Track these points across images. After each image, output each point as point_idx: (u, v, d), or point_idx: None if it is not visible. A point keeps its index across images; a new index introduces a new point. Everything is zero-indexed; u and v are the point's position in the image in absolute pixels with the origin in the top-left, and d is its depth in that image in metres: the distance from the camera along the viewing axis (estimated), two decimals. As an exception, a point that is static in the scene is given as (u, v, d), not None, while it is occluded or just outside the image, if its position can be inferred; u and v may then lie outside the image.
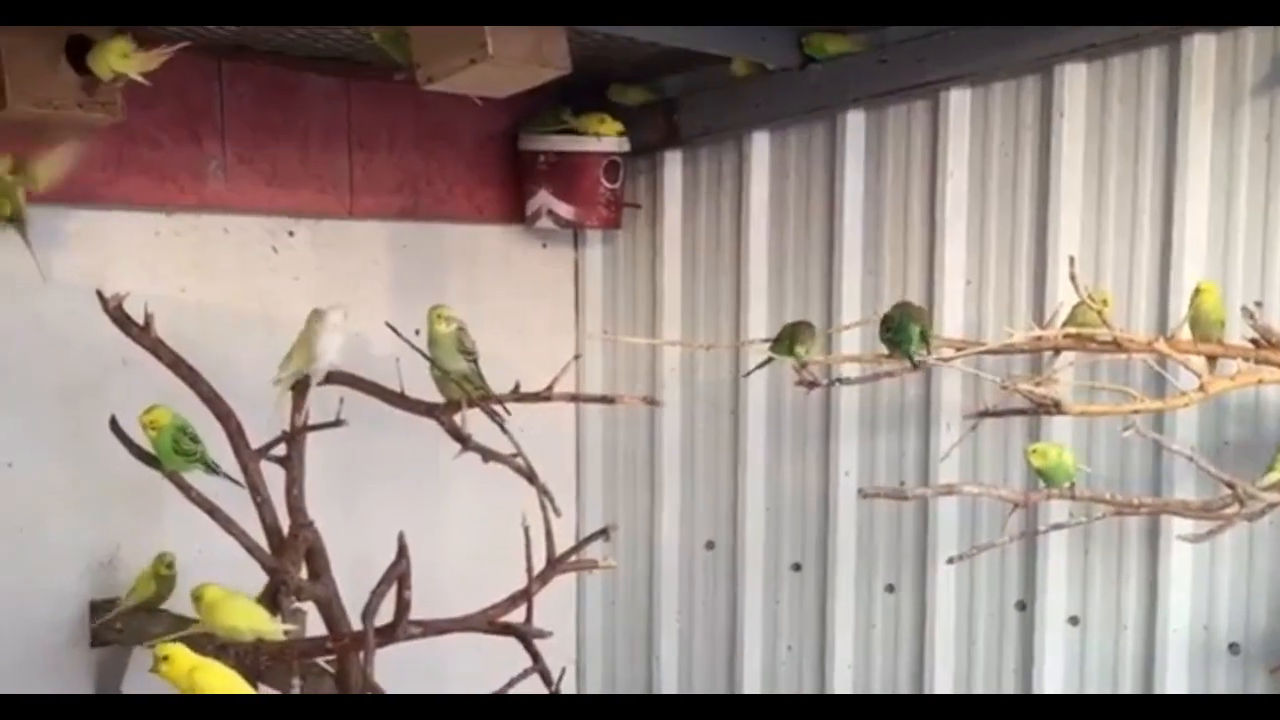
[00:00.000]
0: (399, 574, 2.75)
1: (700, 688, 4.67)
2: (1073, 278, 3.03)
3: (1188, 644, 3.69)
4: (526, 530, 2.85)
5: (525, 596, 2.94)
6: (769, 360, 3.40)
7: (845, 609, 4.28)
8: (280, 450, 3.30)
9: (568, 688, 4.71)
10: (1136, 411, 3.05)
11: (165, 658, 2.47)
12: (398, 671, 3.09)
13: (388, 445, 3.86)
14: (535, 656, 2.92)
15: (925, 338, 3.19)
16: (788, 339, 3.38)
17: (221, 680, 2.46)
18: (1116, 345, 3.19)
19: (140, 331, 3.09)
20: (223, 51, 3.73)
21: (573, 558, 3.05)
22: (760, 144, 4.32)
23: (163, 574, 3.47)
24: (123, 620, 3.52)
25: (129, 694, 3.28)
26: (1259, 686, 3.59)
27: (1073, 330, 3.28)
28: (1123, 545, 3.77)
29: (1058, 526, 3.32)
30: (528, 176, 4.43)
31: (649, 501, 4.71)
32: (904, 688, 4.20)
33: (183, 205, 3.78)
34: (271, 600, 3.01)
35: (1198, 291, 3.31)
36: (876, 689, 4.26)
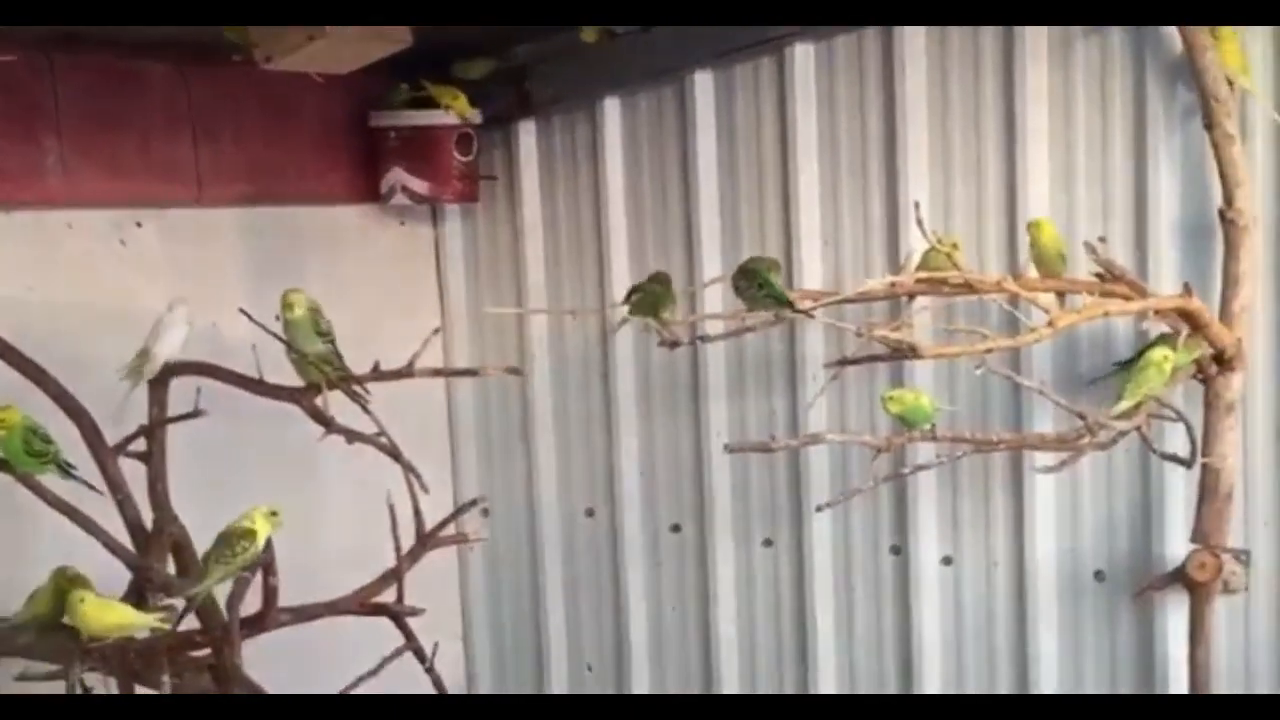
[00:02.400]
0: (264, 562, 2.71)
1: (589, 655, 4.68)
2: (919, 222, 3.08)
3: (1056, 575, 3.79)
4: (392, 508, 2.83)
5: (395, 576, 2.92)
6: (624, 322, 3.41)
7: (725, 566, 4.33)
8: (140, 446, 3.24)
9: (454, 664, 4.77)
10: (991, 350, 3.10)
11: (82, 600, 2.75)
12: (277, 658, 3.07)
13: (253, 434, 3.80)
14: (408, 635, 2.91)
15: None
16: (650, 303, 3.39)
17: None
18: (968, 287, 3.24)
19: (-18, 334, 3.01)
20: (53, 44, 3.62)
21: (443, 532, 3.02)
22: (612, 109, 4.32)
23: (65, 589, 3.35)
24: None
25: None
26: (1125, 611, 3.71)
27: (924, 275, 3.33)
28: (989, 485, 3.86)
29: (921, 468, 3.38)
30: (380, 154, 4.36)
31: (525, 473, 4.70)
32: (787, 639, 4.26)
33: (22, 202, 3.66)
34: (138, 599, 2.95)
35: (1032, 227, 3.39)
36: (760, 641, 4.31)
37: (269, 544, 2.73)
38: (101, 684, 3.02)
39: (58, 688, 2.94)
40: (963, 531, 3.92)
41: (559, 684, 4.72)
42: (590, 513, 4.63)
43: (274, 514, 2.81)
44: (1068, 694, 3.77)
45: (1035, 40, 3.58)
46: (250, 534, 2.73)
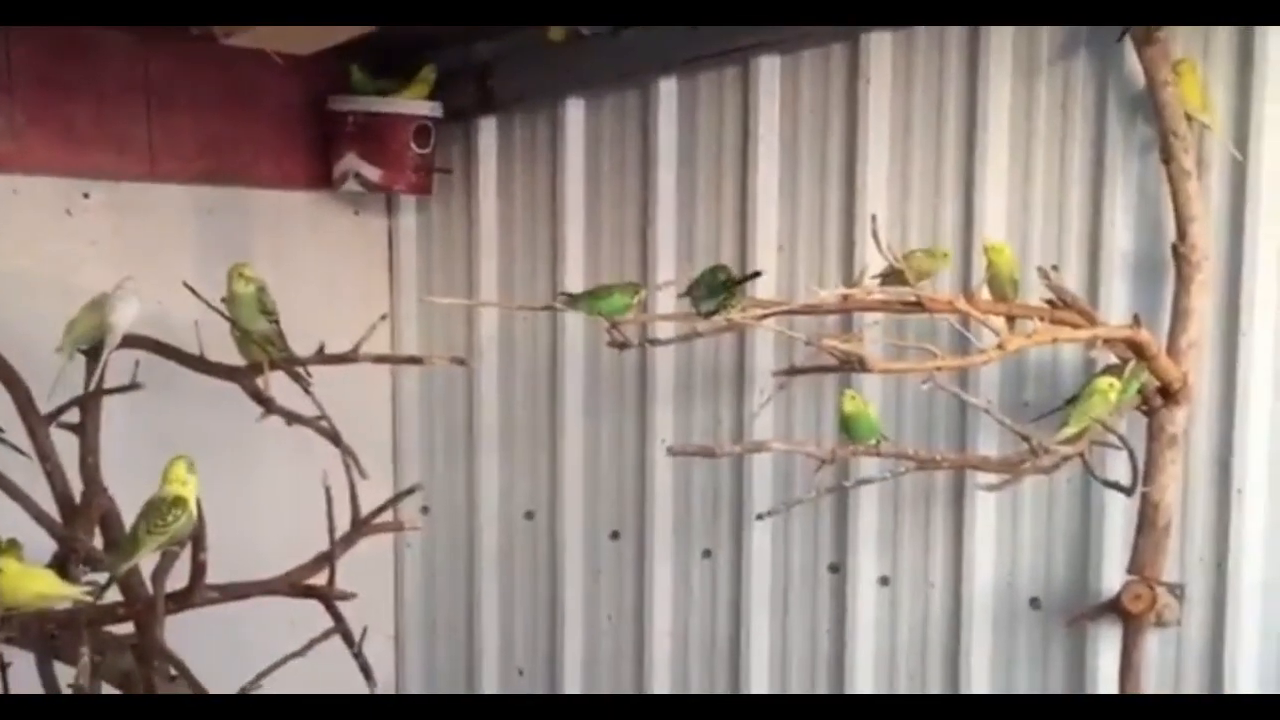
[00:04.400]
0: (193, 535, 2.65)
1: (521, 658, 4.65)
2: (874, 235, 3.07)
3: (992, 600, 3.78)
4: (328, 490, 2.79)
5: (328, 559, 2.87)
6: (554, 308, 3.37)
7: (663, 575, 4.30)
8: (74, 417, 3.19)
9: (385, 658, 4.72)
10: (940, 369, 3.10)
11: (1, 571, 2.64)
12: (202, 637, 3.02)
13: (192, 411, 3.74)
14: (338, 618, 2.87)
15: (729, 291, 3.20)
16: (587, 296, 3.36)
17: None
18: (919, 305, 3.24)
19: (-84, 292, 2.95)
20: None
21: (379, 519, 2.98)
22: (575, 110, 4.30)
23: None
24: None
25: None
26: (1058, 640, 3.70)
27: (877, 293, 3.32)
28: (930, 505, 3.85)
29: (865, 482, 3.38)
30: (335, 138, 4.33)
31: (467, 470, 4.67)
32: (722, 651, 4.23)
33: (-33, 164, 3.62)
34: (61, 569, 2.90)
35: (990, 250, 3.40)
36: (694, 654, 4.28)
37: (200, 515, 2.67)
38: (18, 657, 2.97)
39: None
40: (902, 551, 3.91)
41: (490, 685, 4.68)
42: (530, 515, 4.60)
43: (190, 465, 2.72)
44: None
45: (999, 63, 3.59)
46: (181, 501, 2.66)
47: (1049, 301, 3.36)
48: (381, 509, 3.08)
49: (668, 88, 4.12)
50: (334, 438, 3.08)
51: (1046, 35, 3.56)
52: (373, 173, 4.31)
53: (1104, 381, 3.14)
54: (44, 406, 3.16)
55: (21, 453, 3.01)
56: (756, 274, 3.49)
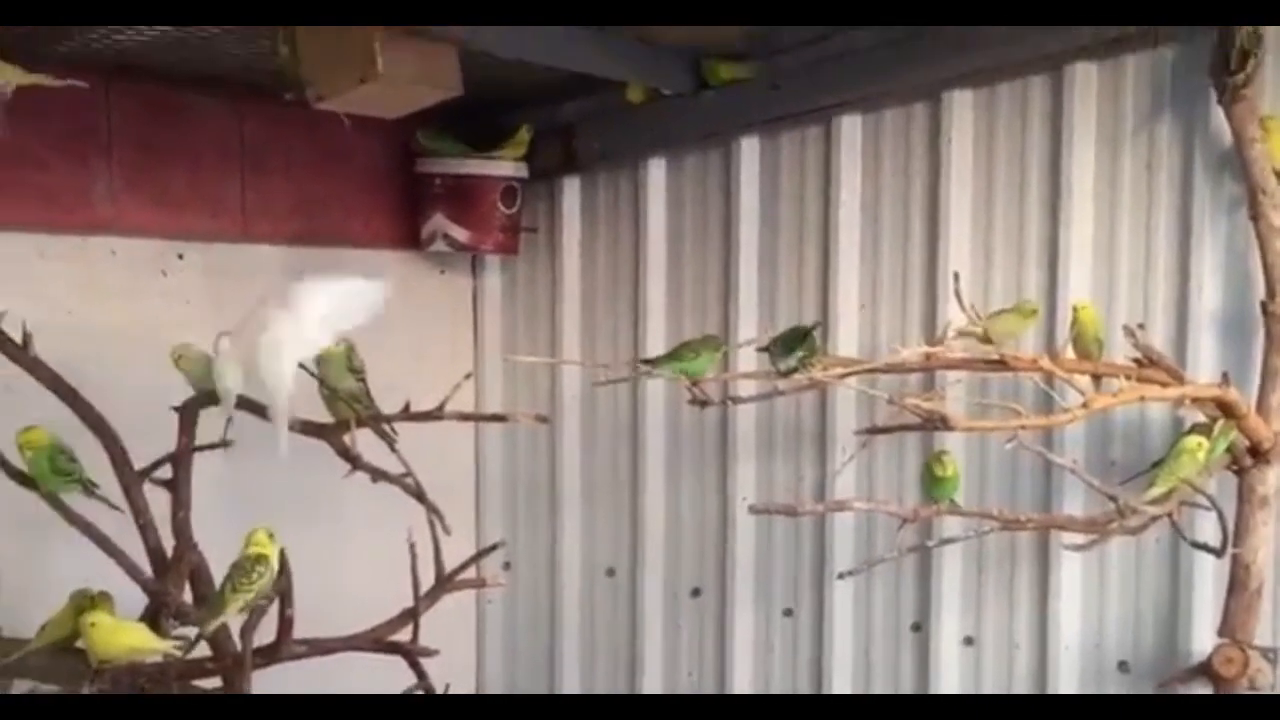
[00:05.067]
0: (280, 591, 2.70)
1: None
2: (957, 293, 3.06)
3: (1079, 662, 3.73)
4: (412, 547, 2.82)
5: (412, 615, 2.90)
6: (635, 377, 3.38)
7: (744, 634, 4.29)
8: (166, 473, 3.25)
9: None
10: (1024, 428, 3.08)
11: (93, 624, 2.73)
12: (287, 691, 3.04)
13: (280, 468, 3.79)
14: (421, 674, 2.89)
15: (809, 349, 3.20)
16: (669, 359, 3.38)
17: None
18: (1003, 364, 3.23)
19: (17, 350, 3.03)
20: (109, 71, 3.68)
21: (462, 575, 3.01)
22: (657, 170, 4.35)
23: (85, 610, 3.33)
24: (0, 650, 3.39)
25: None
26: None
27: (960, 351, 3.31)
28: (1015, 565, 3.81)
29: (948, 541, 3.35)
30: (423, 199, 4.40)
31: (549, 528, 4.69)
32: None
33: (69, 227, 3.71)
34: (152, 623, 2.95)
35: (1076, 310, 3.37)
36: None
37: (286, 569, 2.72)
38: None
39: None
40: (986, 611, 3.86)
41: (569, 743, 4.66)
42: (611, 572, 4.60)
43: (270, 535, 2.80)
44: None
45: (1084, 121, 3.58)
46: (263, 558, 2.72)
47: (1135, 360, 3.33)
48: (465, 565, 3.11)
49: (749, 147, 4.15)
50: (419, 495, 3.11)
51: (1131, 90, 3.56)
52: (460, 233, 4.37)
53: (1192, 441, 3.10)
54: (136, 461, 3.22)
55: (115, 508, 3.07)
56: (817, 324, 3.48)
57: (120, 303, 3.84)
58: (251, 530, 2.83)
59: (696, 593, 4.41)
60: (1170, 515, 3.14)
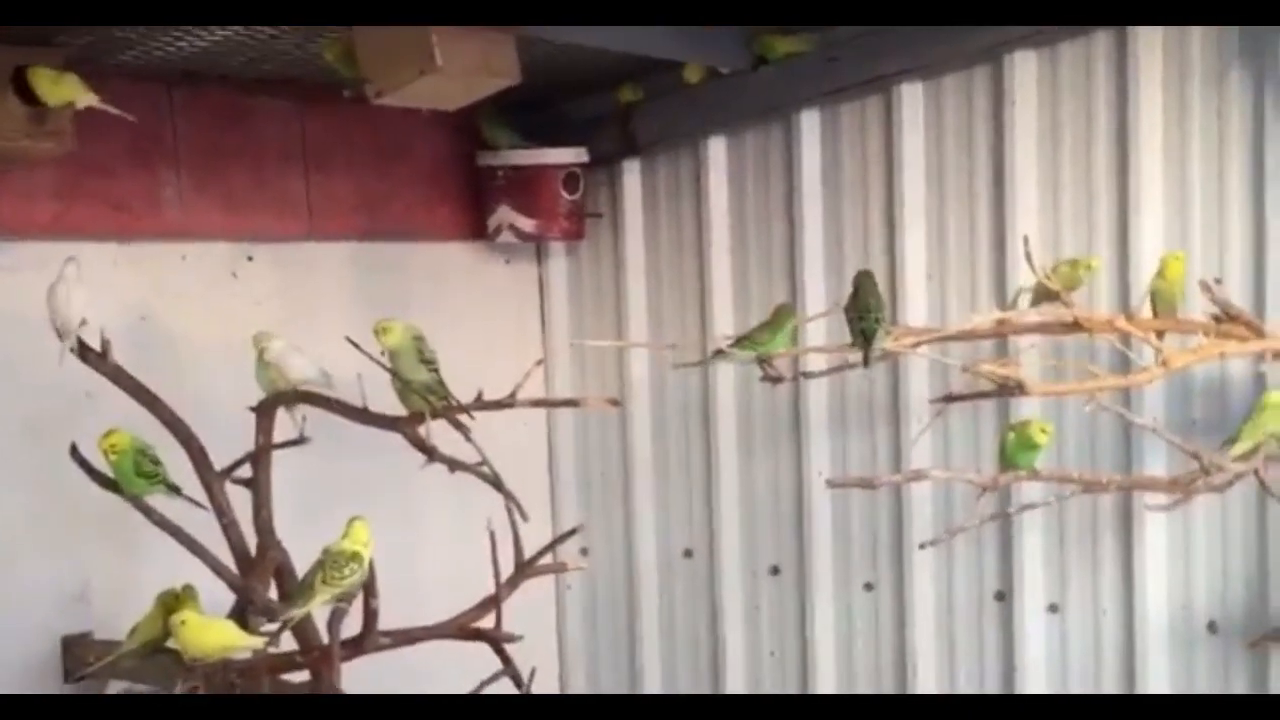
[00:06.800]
0: (364, 584, 2.72)
1: (685, 698, 4.64)
2: (1028, 256, 3.03)
3: (1167, 626, 3.68)
4: (492, 534, 2.84)
5: (494, 602, 2.92)
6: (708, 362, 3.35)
7: (825, 610, 4.27)
8: (245, 472, 3.29)
9: (549, 701, 4.75)
10: (1101, 389, 3.04)
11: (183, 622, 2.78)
12: (375, 681, 3.08)
13: (356, 462, 3.84)
14: (506, 660, 2.91)
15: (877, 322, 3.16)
16: (743, 341, 3.36)
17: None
18: (1077, 325, 3.18)
19: (98, 358, 3.08)
20: (172, 78, 3.73)
21: (541, 560, 3.02)
22: (717, 148, 4.33)
23: (172, 608, 3.37)
24: (94, 653, 3.46)
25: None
26: (1239, 664, 3.58)
27: (1033, 315, 3.27)
28: (1097, 530, 3.77)
29: (1028, 507, 3.31)
30: (487, 192, 4.42)
31: (624, 511, 4.70)
32: (887, 686, 4.18)
33: (139, 233, 3.77)
34: (240, 620, 2.99)
35: (1165, 261, 3.30)
36: (861, 689, 4.23)
37: (371, 565, 2.74)
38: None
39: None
40: (1069, 578, 3.82)
41: (654, 724, 4.67)
42: (689, 553, 4.60)
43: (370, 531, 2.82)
44: None
45: (1149, 72, 3.52)
46: (357, 556, 2.74)
47: (1213, 316, 3.27)
48: (544, 551, 3.12)
49: (810, 120, 4.12)
50: (495, 483, 3.12)
51: (1198, 38, 3.48)
52: (526, 223, 4.39)
53: (1276, 395, 3.04)
54: (220, 464, 3.27)
55: (201, 506, 3.11)
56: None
57: (193, 306, 3.89)
58: (351, 519, 2.84)
59: (775, 571, 4.40)
60: (1256, 471, 3.09)
